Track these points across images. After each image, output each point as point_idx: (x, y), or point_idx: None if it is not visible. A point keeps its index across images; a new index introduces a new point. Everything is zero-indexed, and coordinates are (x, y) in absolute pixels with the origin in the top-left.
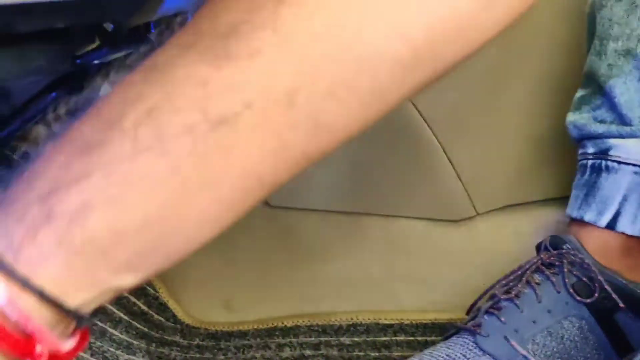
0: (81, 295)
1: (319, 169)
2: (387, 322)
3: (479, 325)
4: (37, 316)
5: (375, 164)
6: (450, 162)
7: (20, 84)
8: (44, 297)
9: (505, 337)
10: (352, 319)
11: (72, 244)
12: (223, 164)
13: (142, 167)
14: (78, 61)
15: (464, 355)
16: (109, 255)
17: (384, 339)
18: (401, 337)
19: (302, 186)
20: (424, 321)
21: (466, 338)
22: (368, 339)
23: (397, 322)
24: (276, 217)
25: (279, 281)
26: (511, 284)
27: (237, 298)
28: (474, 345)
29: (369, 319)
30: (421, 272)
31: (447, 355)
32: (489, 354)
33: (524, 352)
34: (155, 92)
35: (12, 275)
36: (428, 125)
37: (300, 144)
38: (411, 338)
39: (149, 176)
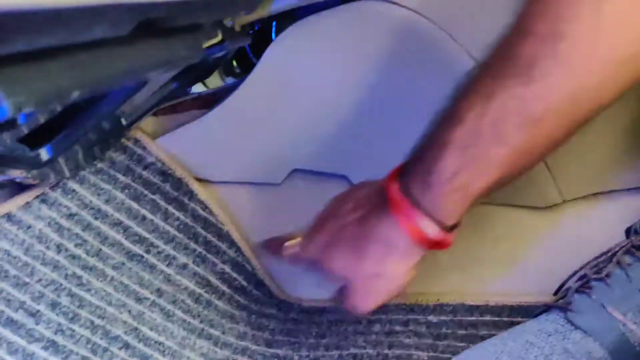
0: (453, 221)
1: None
2: (472, 303)
3: (570, 303)
4: (438, 232)
5: None
6: None
7: (156, 75)
8: (439, 223)
9: (602, 305)
10: (438, 300)
11: (452, 191)
12: (539, 140)
13: (489, 151)
14: (204, 54)
15: (556, 330)
16: (473, 197)
17: (471, 318)
18: (487, 317)
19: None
20: (510, 304)
21: (557, 315)
22: (455, 319)
23: (482, 303)
24: None
25: None
26: (601, 265)
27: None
28: (565, 321)
29: (454, 300)
30: (507, 257)
31: (538, 330)
32: (581, 329)
33: (621, 318)
34: (492, 105)
35: (423, 210)
36: None
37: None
38: (497, 318)
39: (494, 157)
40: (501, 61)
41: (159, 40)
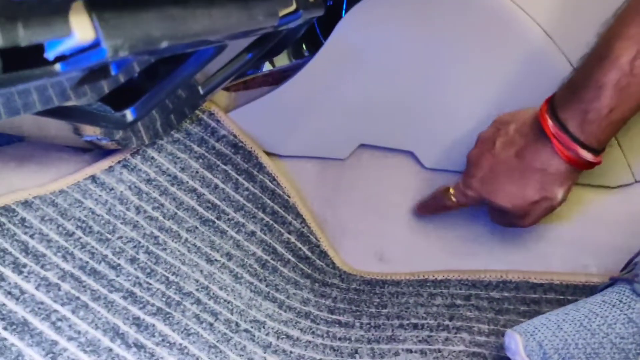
0: (605, 145)
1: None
2: (536, 281)
3: (637, 276)
4: (593, 157)
5: None
6: None
7: (236, 38)
8: (595, 151)
9: None
10: (501, 276)
11: (608, 125)
12: None
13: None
14: (279, 21)
15: (620, 301)
16: (622, 125)
17: (534, 296)
18: (551, 295)
19: (456, 149)
20: (574, 282)
21: (622, 287)
22: (517, 295)
23: (546, 281)
24: (430, 179)
25: (430, 238)
26: None
27: (390, 251)
28: (631, 291)
29: (518, 278)
30: (573, 236)
31: (602, 301)
32: None
33: None
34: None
35: (581, 143)
36: None
37: None
38: (561, 297)
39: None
40: None
41: (239, 3)
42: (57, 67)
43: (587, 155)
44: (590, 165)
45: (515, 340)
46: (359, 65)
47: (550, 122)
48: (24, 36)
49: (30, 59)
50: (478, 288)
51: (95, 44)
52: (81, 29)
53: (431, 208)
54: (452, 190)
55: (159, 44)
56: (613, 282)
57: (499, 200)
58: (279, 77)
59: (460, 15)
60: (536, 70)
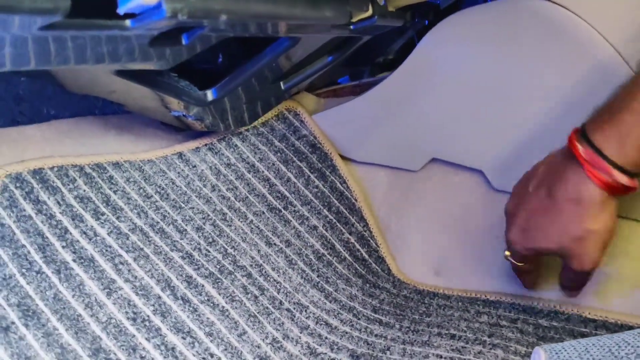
0: (633, 168)
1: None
2: (590, 316)
3: None
4: (629, 181)
5: None
6: None
7: (308, 34)
8: (629, 172)
9: None
10: (554, 306)
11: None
12: None
13: None
14: (354, 26)
15: None
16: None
17: (584, 330)
18: (602, 332)
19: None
20: (630, 323)
21: None
22: (567, 327)
23: (600, 318)
24: (496, 201)
25: (488, 259)
26: None
27: (447, 266)
28: None
29: (572, 311)
30: (636, 276)
31: (638, 333)
32: None
33: None
34: None
35: (616, 165)
36: None
37: None
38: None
39: None
40: None
41: None
42: (127, 22)
43: (622, 178)
44: (626, 190)
45: (539, 356)
46: (437, 81)
47: (581, 148)
48: None
49: (104, 12)
50: (527, 313)
51: (158, 6)
52: None
53: (519, 275)
54: (507, 253)
55: (218, 16)
56: None
57: (544, 245)
58: (367, 88)
59: (537, 37)
60: (606, 90)
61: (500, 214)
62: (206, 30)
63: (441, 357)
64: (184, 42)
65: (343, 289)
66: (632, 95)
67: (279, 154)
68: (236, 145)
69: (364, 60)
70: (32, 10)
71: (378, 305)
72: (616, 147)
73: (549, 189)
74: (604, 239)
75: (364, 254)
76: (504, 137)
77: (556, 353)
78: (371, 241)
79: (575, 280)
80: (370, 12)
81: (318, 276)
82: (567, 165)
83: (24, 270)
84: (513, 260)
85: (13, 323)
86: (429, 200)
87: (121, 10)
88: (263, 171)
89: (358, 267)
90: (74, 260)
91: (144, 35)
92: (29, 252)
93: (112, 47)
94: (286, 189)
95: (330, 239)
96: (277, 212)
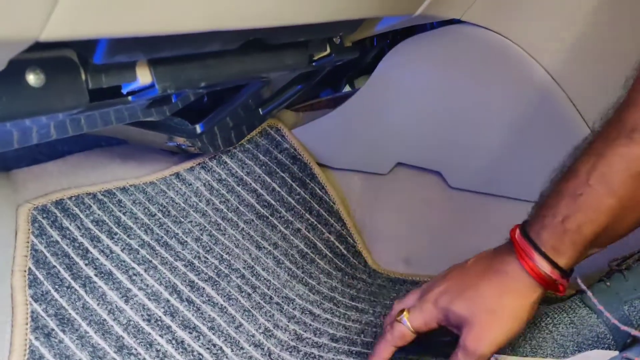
0: (565, 261)
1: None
2: None
3: (585, 289)
4: (551, 270)
5: None
6: None
7: (275, 76)
8: (552, 262)
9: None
10: None
11: (564, 233)
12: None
13: (598, 200)
14: (315, 63)
15: (569, 307)
16: (584, 241)
17: None
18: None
19: (476, 172)
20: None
21: (576, 297)
22: None
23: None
24: (453, 196)
25: (450, 247)
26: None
27: (415, 256)
28: (580, 300)
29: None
30: None
31: (557, 306)
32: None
33: None
34: (601, 162)
35: (541, 253)
36: None
37: None
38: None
39: (602, 205)
40: (609, 127)
41: (268, 52)
42: (129, 98)
43: (543, 264)
44: (553, 283)
45: None
46: (396, 97)
47: (517, 231)
48: (105, 81)
49: (113, 93)
50: None
51: (152, 85)
52: (143, 76)
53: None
54: (406, 313)
55: (198, 84)
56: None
57: (456, 308)
58: (340, 101)
59: (475, 59)
60: (539, 104)
61: (456, 208)
62: (190, 92)
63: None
64: (173, 100)
65: (325, 282)
66: (557, 182)
67: (263, 167)
68: (225, 162)
69: (341, 74)
70: (66, 109)
71: (355, 294)
72: (537, 229)
73: (487, 263)
74: (512, 324)
75: (342, 250)
76: (456, 143)
77: None
78: (349, 238)
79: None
80: (328, 50)
81: (303, 272)
82: (505, 248)
83: (56, 287)
84: (406, 323)
85: (53, 330)
86: (397, 200)
87: (125, 91)
88: (251, 183)
89: (338, 262)
90: (96, 275)
91: (143, 103)
92: (59, 272)
93: (119, 114)
94: (272, 198)
95: (312, 239)
96: (264, 218)
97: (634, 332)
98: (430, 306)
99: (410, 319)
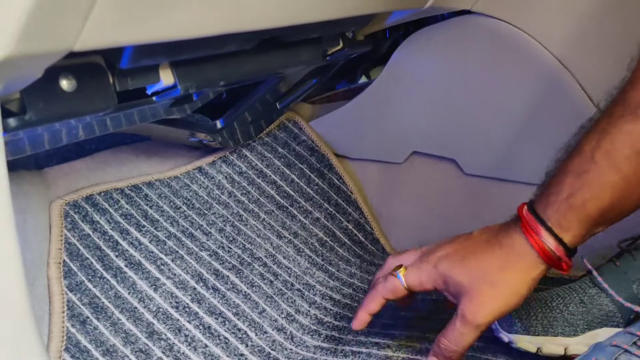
0: (570, 238)
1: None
2: (549, 274)
3: (593, 269)
4: (556, 246)
5: None
6: None
7: (291, 72)
8: (557, 238)
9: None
10: None
11: (569, 209)
12: None
13: (602, 176)
14: (329, 58)
15: (579, 287)
16: (588, 218)
17: (543, 286)
18: (557, 286)
19: (490, 159)
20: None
21: (586, 277)
22: None
23: (557, 275)
24: (468, 183)
25: (464, 231)
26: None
27: (430, 241)
28: (589, 280)
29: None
30: None
31: (568, 286)
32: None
33: None
34: (605, 139)
35: (547, 228)
36: None
37: None
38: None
39: (606, 182)
40: (614, 105)
41: (283, 49)
42: (154, 99)
43: (549, 240)
44: (556, 260)
45: None
46: (410, 86)
47: (525, 207)
48: (131, 84)
49: (138, 94)
50: None
51: (174, 86)
52: (166, 77)
53: (374, 299)
54: (403, 269)
55: (218, 83)
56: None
57: (455, 275)
58: (355, 93)
59: (486, 48)
60: (550, 91)
61: (471, 193)
62: (210, 90)
63: (422, 317)
64: (194, 99)
65: (344, 268)
66: (563, 161)
67: (282, 159)
68: (246, 156)
69: (356, 66)
70: (96, 111)
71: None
72: (543, 206)
73: (493, 234)
74: (511, 299)
75: (360, 237)
76: (470, 130)
77: None
78: (366, 226)
79: (454, 340)
80: (341, 45)
81: (322, 260)
82: (512, 224)
83: (90, 277)
84: (401, 278)
85: (87, 317)
86: (413, 188)
87: (149, 92)
88: (270, 175)
89: (356, 249)
90: (126, 266)
91: (166, 102)
92: (91, 263)
93: (142, 114)
94: (291, 189)
95: (331, 228)
96: (284, 209)
97: (636, 308)
98: (429, 267)
99: (406, 276)
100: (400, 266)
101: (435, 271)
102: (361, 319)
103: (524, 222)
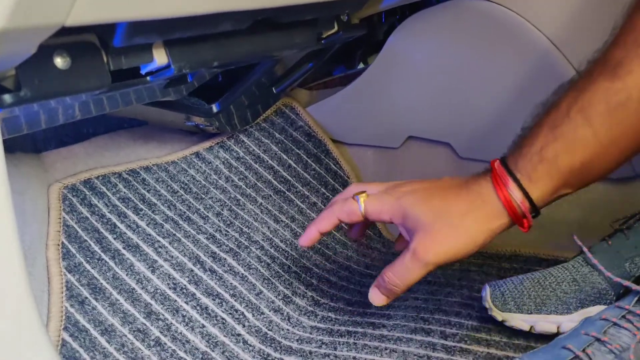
0: (538, 193)
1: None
2: (544, 257)
3: (585, 248)
4: (522, 200)
5: None
6: None
7: (286, 55)
8: (524, 192)
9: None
10: (514, 250)
11: (539, 162)
12: (622, 129)
13: (575, 131)
14: (323, 41)
15: (572, 266)
16: (558, 173)
17: (538, 268)
18: None
19: (484, 142)
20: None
21: (579, 256)
22: (524, 267)
23: (552, 257)
24: (463, 166)
25: None
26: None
27: None
28: (582, 259)
29: (529, 252)
30: (579, 221)
31: (561, 265)
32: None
33: None
34: (582, 96)
35: (516, 181)
36: None
37: None
38: None
39: (579, 137)
40: (594, 65)
41: (277, 31)
42: (148, 79)
43: (515, 192)
44: (520, 215)
45: (486, 290)
46: (406, 71)
47: (497, 161)
48: (125, 62)
49: (132, 74)
50: (491, 258)
51: (168, 66)
52: (159, 57)
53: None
54: (365, 195)
55: (212, 63)
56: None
57: (417, 209)
58: (352, 79)
59: (481, 32)
60: (543, 73)
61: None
62: (205, 71)
63: (417, 299)
64: (189, 80)
65: (341, 252)
66: (538, 117)
67: (279, 145)
68: (243, 141)
69: (354, 51)
70: (90, 89)
71: (370, 262)
72: (515, 158)
73: (463, 181)
74: (467, 245)
75: None
76: (464, 114)
77: (498, 287)
78: None
79: (399, 274)
80: (335, 28)
81: (319, 243)
82: (482, 174)
83: (88, 259)
84: (360, 203)
85: (86, 298)
86: (409, 172)
87: (143, 71)
88: (267, 160)
89: None
90: (124, 248)
91: (161, 83)
92: (90, 245)
93: (139, 94)
94: (288, 174)
95: None
96: (282, 194)
97: (626, 282)
98: (392, 199)
99: (366, 202)
100: (362, 192)
101: (397, 203)
102: (310, 235)
103: (494, 173)
